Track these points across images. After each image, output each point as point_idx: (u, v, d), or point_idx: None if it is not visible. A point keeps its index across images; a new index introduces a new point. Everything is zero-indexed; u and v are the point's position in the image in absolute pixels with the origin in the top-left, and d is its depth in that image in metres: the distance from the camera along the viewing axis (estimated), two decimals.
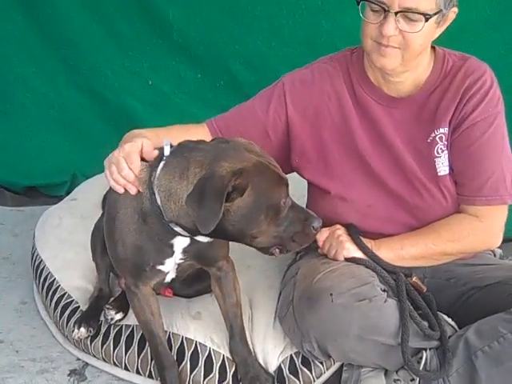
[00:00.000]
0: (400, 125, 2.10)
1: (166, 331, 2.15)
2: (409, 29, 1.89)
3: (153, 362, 2.17)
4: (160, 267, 1.93)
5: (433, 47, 2.09)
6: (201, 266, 2.07)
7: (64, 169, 3.80)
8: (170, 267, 1.95)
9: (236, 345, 2.12)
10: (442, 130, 2.07)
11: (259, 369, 2.12)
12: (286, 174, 2.29)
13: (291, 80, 2.19)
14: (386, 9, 1.87)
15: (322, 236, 2.14)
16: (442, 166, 2.08)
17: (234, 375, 2.13)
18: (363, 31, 1.98)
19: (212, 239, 1.86)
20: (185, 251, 1.91)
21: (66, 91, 3.79)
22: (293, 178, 2.28)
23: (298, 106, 2.16)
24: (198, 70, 3.72)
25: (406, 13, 1.87)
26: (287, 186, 1.79)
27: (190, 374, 2.13)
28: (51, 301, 2.49)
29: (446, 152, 2.08)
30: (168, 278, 2.04)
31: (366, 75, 2.12)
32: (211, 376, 2.12)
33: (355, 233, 2.12)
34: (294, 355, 2.13)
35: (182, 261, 1.95)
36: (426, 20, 1.88)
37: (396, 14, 1.87)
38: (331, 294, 1.91)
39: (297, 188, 2.80)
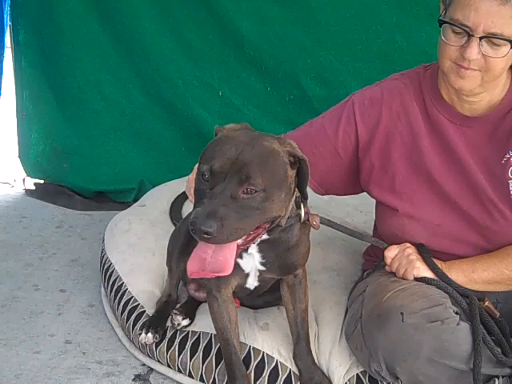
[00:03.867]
0: (473, 145, 2.06)
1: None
2: (492, 53, 1.86)
3: (217, 369, 2.18)
4: (238, 260, 1.92)
5: (510, 67, 2.05)
6: (281, 275, 2.07)
7: (132, 176, 3.89)
8: (248, 265, 1.95)
9: (301, 350, 2.12)
10: None
11: (323, 376, 2.11)
12: (356, 193, 2.32)
13: (361, 99, 2.18)
14: (470, 33, 1.84)
15: (391, 253, 2.12)
16: None
17: None
18: (442, 52, 1.94)
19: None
20: (262, 251, 1.92)
21: (138, 99, 3.89)
22: (360, 196, 2.29)
23: (368, 124, 2.14)
24: (268, 83, 3.77)
25: (490, 38, 1.83)
26: None
27: (254, 383, 2.12)
28: (118, 304, 2.53)
29: None
30: (250, 284, 2.05)
31: (439, 93, 2.08)
32: None
33: (426, 252, 2.08)
34: (360, 374, 2.11)
35: (262, 266, 1.96)
36: None
37: (480, 38, 1.84)
38: (402, 314, 1.88)
39: (364, 204, 2.82)
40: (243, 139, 1.70)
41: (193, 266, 1.71)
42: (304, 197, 1.86)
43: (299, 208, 1.92)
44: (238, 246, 1.71)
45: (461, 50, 1.88)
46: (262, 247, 1.92)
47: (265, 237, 1.85)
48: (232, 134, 1.76)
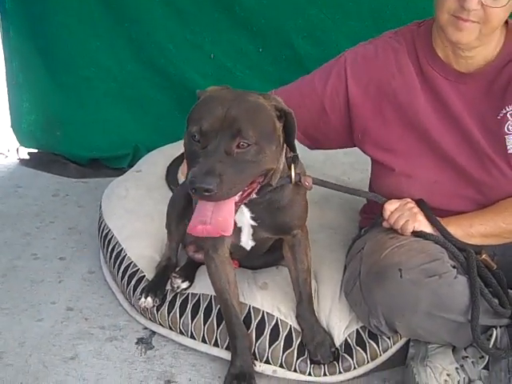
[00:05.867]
0: (469, 101, 2.05)
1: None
2: (492, 3, 1.83)
3: (218, 330, 2.21)
4: None
5: (505, 21, 2.03)
6: (277, 235, 2.09)
7: (126, 141, 3.88)
8: (239, 220, 1.95)
9: (303, 310, 2.15)
10: None
11: (325, 334, 2.15)
12: (346, 148, 2.33)
13: (354, 55, 2.16)
14: None
15: (392, 206, 2.11)
16: None
17: (300, 344, 2.15)
18: (440, 4, 1.91)
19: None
20: (249, 207, 1.93)
21: (129, 65, 3.85)
22: (356, 153, 2.29)
23: (360, 82, 2.13)
24: (259, 44, 3.73)
25: None
26: None
27: (256, 341, 2.15)
28: (118, 270, 2.54)
29: None
30: (244, 242, 2.06)
31: (433, 50, 2.07)
32: (276, 344, 2.14)
33: (426, 208, 2.09)
34: (360, 329, 2.14)
35: (253, 221, 1.97)
36: None
37: None
38: (400, 270, 1.90)
39: (360, 162, 2.82)
40: (228, 97, 1.72)
41: (195, 230, 1.71)
42: (293, 150, 1.87)
43: (290, 169, 1.93)
44: (236, 204, 1.73)
45: (459, 1, 1.85)
46: (250, 205, 1.93)
47: (252, 197, 1.85)
48: (216, 93, 1.77)
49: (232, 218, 1.71)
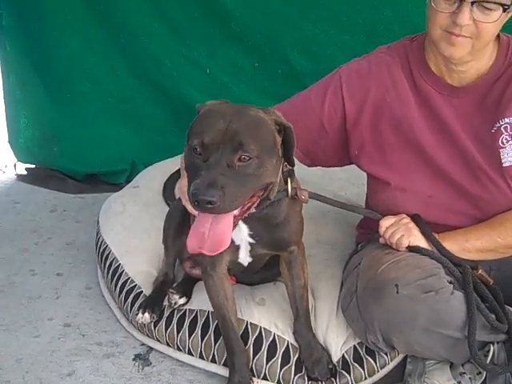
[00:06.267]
0: (462, 115, 2.06)
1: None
2: (483, 19, 1.86)
3: (216, 346, 2.21)
4: None
5: (497, 35, 2.04)
6: (274, 251, 2.09)
7: (124, 157, 3.89)
8: (237, 237, 1.96)
9: (300, 327, 2.15)
10: (506, 120, 2.02)
11: (322, 351, 2.14)
12: (344, 165, 2.33)
13: (348, 72, 2.17)
14: None
15: (387, 222, 2.12)
16: (508, 157, 2.03)
17: (298, 360, 2.14)
18: (432, 20, 1.93)
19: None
20: (248, 223, 1.93)
21: (125, 80, 3.87)
22: (353, 168, 2.30)
23: (355, 98, 2.14)
24: (255, 59, 3.76)
25: (481, 2, 1.83)
26: None
27: (253, 358, 2.15)
28: (116, 286, 2.54)
29: (511, 142, 2.02)
30: (242, 259, 2.07)
31: (426, 64, 2.08)
32: (274, 360, 2.14)
33: (421, 222, 2.10)
34: (357, 345, 2.14)
35: (251, 238, 1.98)
36: (504, 10, 1.85)
37: (472, 3, 1.83)
38: (396, 285, 1.90)
39: (356, 177, 2.83)
40: (229, 111, 1.73)
41: (192, 243, 1.72)
42: (291, 164, 1.88)
43: (287, 183, 1.94)
44: (235, 217, 1.73)
45: (452, 17, 1.87)
46: (249, 221, 1.93)
47: (251, 211, 1.85)
48: (216, 107, 1.78)
49: (230, 232, 1.72)
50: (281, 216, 1.97)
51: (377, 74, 2.13)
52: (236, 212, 1.72)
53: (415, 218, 2.11)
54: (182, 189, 2.04)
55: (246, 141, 1.66)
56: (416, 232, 2.07)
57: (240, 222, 1.90)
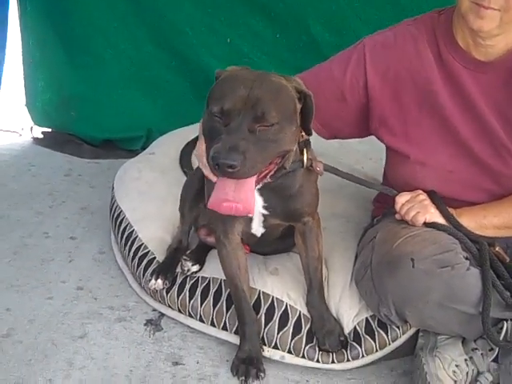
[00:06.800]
0: (487, 90, 2.03)
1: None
2: None
3: (228, 314, 2.21)
4: None
5: None
6: (287, 222, 2.08)
7: (140, 124, 3.87)
8: None
9: (313, 298, 2.15)
10: None
11: (335, 323, 2.14)
12: (364, 137, 2.31)
13: (373, 42, 2.14)
14: None
15: (403, 199, 2.11)
16: None
17: (309, 331, 2.14)
18: None
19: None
20: (263, 194, 1.92)
21: (146, 47, 3.84)
22: (371, 141, 2.28)
23: (379, 69, 2.11)
24: (277, 30, 3.72)
25: None
26: None
27: (265, 327, 2.15)
28: (129, 251, 2.54)
29: None
30: (255, 229, 2.06)
31: (453, 38, 2.04)
32: (285, 329, 2.14)
33: (438, 199, 2.08)
34: (369, 318, 2.14)
35: (264, 210, 1.97)
36: None
37: None
38: (412, 260, 1.88)
39: (374, 151, 2.81)
40: (250, 77, 1.72)
41: (221, 209, 1.71)
42: (308, 133, 1.87)
43: (302, 154, 1.93)
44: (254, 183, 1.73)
45: None
46: (263, 192, 1.92)
47: (267, 181, 1.84)
48: (237, 73, 1.77)
49: (253, 198, 1.72)
50: (295, 187, 1.96)
51: (402, 46, 2.09)
52: (254, 178, 1.71)
53: (431, 195, 2.09)
54: (199, 152, 2.02)
55: (268, 107, 1.65)
56: (432, 209, 2.06)
57: (255, 194, 1.88)
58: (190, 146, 2.96)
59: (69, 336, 2.29)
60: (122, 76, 3.86)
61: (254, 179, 1.70)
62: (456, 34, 2.04)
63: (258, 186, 1.83)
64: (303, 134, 1.89)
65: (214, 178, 1.79)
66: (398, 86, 2.10)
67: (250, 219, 2.02)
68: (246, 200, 1.69)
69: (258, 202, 1.95)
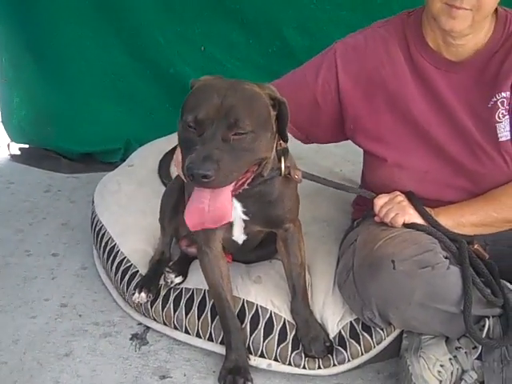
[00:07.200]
0: (459, 89, 2.05)
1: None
2: None
3: (213, 324, 2.21)
4: None
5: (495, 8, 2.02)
6: (268, 228, 2.09)
7: (118, 135, 3.87)
8: (233, 214, 1.92)
9: (297, 305, 2.15)
10: (503, 95, 2.00)
11: (320, 330, 2.14)
12: (340, 141, 2.32)
13: (344, 46, 2.15)
14: None
15: (381, 201, 2.12)
16: (504, 132, 2.02)
17: (294, 337, 2.15)
18: None
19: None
20: (242, 201, 1.93)
21: (119, 58, 3.83)
22: (349, 145, 2.29)
23: (350, 73, 2.13)
24: (250, 36, 3.74)
25: None
26: None
27: (250, 335, 2.15)
28: (112, 265, 2.54)
29: (507, 117, 2.01)
30: (236, 236, 2.07)
31: (423, 39, 2.06)
32: (271, 337, 2.14)
33: (416, 200, 2.09)
34: (353, 322, 2.14)
35: (245, 216, 1.97)
36: None
37: None
38: (393, 261, 1.89)
39: (352, 154, 2.82)
40: (224, 85, 1.72)
41: (193, 219, 1.72)
42: (284, 139, 1.87)
43: (280, 161, 1.93)
44: (231, 192, 1.73)
45: None
46: (242, 198, 1.93)
47: (244, 188, 1.84)
48: (210, 82, 1.77)
49: (230, 205, 1.73)
50: (274, 194, 1.96)
51: (373, 48, 2.11)
52: (230, 187, 1.71)
53: (409, 195, 2.11)
54: (177, 162, 2.01)
55: (241, 115, 1.66)
56: (411, 210, 2.07)
57: (233, 199, 1.89)
58: (168, 156, 2.96)
59: (54, 355, 2.28)
60: (96, 88, 3.84)
61: (230, 188, 1.71)
62: (426, 34, 2.06)
63: (235, 194, 1.83)
64: (281, 142, 1.90)
65: None
66: (370, 89, 2.12)
67: (231, 225, 2.02)
68: (222, 208, 1.69)
69: (238, 208, 1.95)
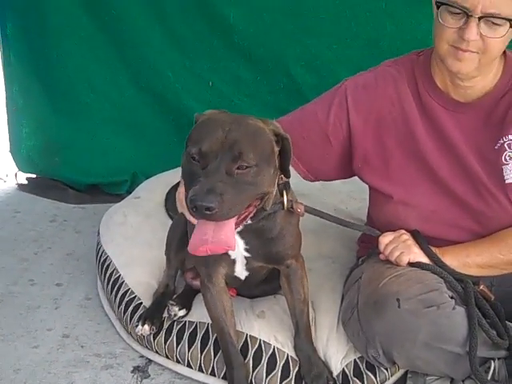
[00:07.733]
0: (467, 131, 2.07)
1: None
2: (491, 34, 1.86)
3: (216, 359, 2.20)
4: None
5: (503, 51, 2.05)
6: (270, 264, 2.09)
7: (125, 167, 3.89)
8: (233, 251, 1.95)
9: (301, 342, 2.14)
10: (510, 137, 2.02)
11: (323, 367, 2.13)
12: (347, 178, 2.33)
13: (354, 84, 2.17)
14: (469, 13, 1.83)
15: (386, 239, 2.13)
16: (510, 174, 2.03)
17: (298, 374, 2.13)
18: (439, 35, 1.94)
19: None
20: (244, 237, 1.93)
21: (128, 91, 3.88)
22: (354, 182, 2.31)
23: (361, 111, 2.14)
24: (257, 73, 3.78)
25: (488, 18, 1.83)
26: None
27: (253, 371, 2.14)
28: (115, 297, 2.53)
29: None
30: (238, 272, 2.07)
31: (432, 79, 2.09)
32: (274, 373, 2.13)
33: (421, 239, 2.10)
34: (357, 360, 2.13)
35: (246, 253, 1.98)
36: (511, 26, 1.85)
37: (479, 18, 1.83)
38: (398, 300, 1.90)
39: (358, 191, 2.83)
40: (228, 120, 1.74)
41: (196, 248, 1.72)
42: (286, 175, 1.89)
43: (282, 196, 1.94)
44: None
45: (459, 32, 1.88)
46: (244, 235, 1.93)
47: (247, 223, 1.85)
48: (215, 116, 1.79)
49: (233, 235, 1.73)
50: (276, 229, 1.96)
51: (383, 87, 2.13)
52: (234, 219, 1.72)
53: (414, 234, 2.11)
54: (179, 196, 2.03)
55: (246, 149, 1.67)
56: (416, 249, 2.07)
57: (236, 237, 1.89)
58: (175, 189, 2.95)
59: None
60: (105, 120, 3.89)
61: (233, 221, 1.71)
62: (434, 75, 2.08)
63: (239, 229, 1.84)
64: (282, 176, 1.92)
65: (194, 221, 1.79)
66: (380, 128, 2.13)
67: (233, 262, 2.02)
68: (226, 239, 1.70)
69: (240, 245, 1.96)
